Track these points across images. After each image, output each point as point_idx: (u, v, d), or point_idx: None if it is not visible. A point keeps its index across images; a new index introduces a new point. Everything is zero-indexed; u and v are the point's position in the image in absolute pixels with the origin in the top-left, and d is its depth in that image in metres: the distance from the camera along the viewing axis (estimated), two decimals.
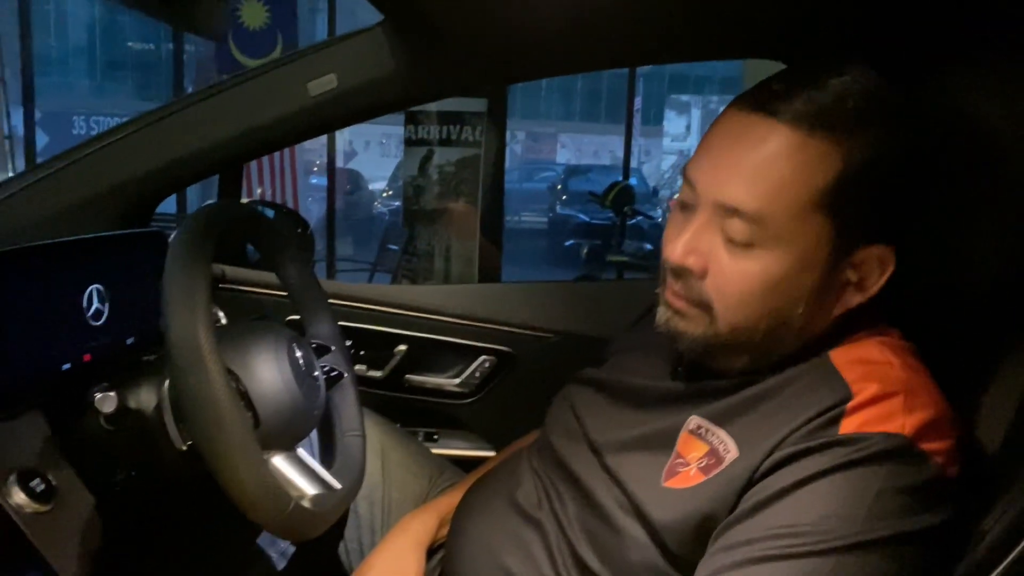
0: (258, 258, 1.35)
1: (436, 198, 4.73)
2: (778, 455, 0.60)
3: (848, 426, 0.59)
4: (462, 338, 1.23)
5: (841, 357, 0.66)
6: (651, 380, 0.78)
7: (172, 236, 0.72)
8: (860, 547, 0.55)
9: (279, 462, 0.81)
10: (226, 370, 0.72)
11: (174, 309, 0.66)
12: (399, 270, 4.67)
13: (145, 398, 0.79)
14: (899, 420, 0.59)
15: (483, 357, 1.23)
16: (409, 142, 4.66)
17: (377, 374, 1.24)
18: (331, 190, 5.66)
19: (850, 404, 0.61)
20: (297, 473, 0.82)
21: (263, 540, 1.03)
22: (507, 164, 4.89)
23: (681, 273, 0.68)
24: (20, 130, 6.13)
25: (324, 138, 6.07)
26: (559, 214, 10.07)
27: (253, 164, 5.15)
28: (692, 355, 0.71)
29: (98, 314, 0.85)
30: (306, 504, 0.77)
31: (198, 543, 1.03)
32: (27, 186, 1.06)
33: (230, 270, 1.22)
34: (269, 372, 0.79)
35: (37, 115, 6.18)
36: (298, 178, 5.71)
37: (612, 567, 0.68)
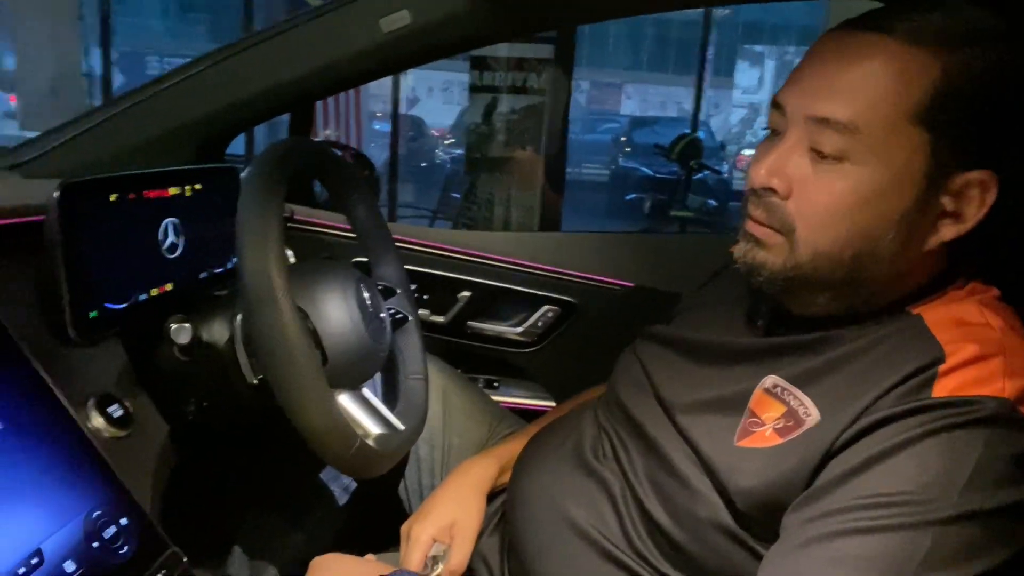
0: (325, 198, 1.36)
1: (499, 146, 4.69)
2: (865, 421, 0.57)
3: (942, 389, 0.56)
4: (526, 286, 1.22)
5: (934, 316, 0.62)
6: (725, 337, 0.76)
7: (245, 172, 0.71)
8: (960, 519, 0.51)
9: (345, 400, 0.82)
10: (296, 308, 0.73)
11: (247, 246, 0.66)
12: (459, 218, 4.68)
13: (218, 331, 0.80)
14: (999, 383, 0.55)
15: (546, 307, 1.22)
16: (474, 88, 4.61)
17: (440, 319, 1.24)
18: (394, 136, 5.67)
19: (943, 366, 0.57)
20: (362, 412, 0.82)
21: (326, 475, 1.06)
22: (570, 114, 4.80)
23: (763, 196, 0.64)
24: (97, 70, 6.29)
25: (387, 84, 6.07)
26: (621, 167, 9.87)
27: (319, 106, 5.19)
28: (772, 290, 0.68)
29: (173, 247, 0.86)
30: (370, 443, 0.77)
31: (265, 475, 1.06)
32: (102, 121, 1.07)
33: (299, 209, 1.22)
34: (337, 311, 0.79)
35: (114, 55, 6.33)
36: (362, 123, 5.73)
37: (680, 523, 0.66)
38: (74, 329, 0.69)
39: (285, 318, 0.66)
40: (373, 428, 0.82)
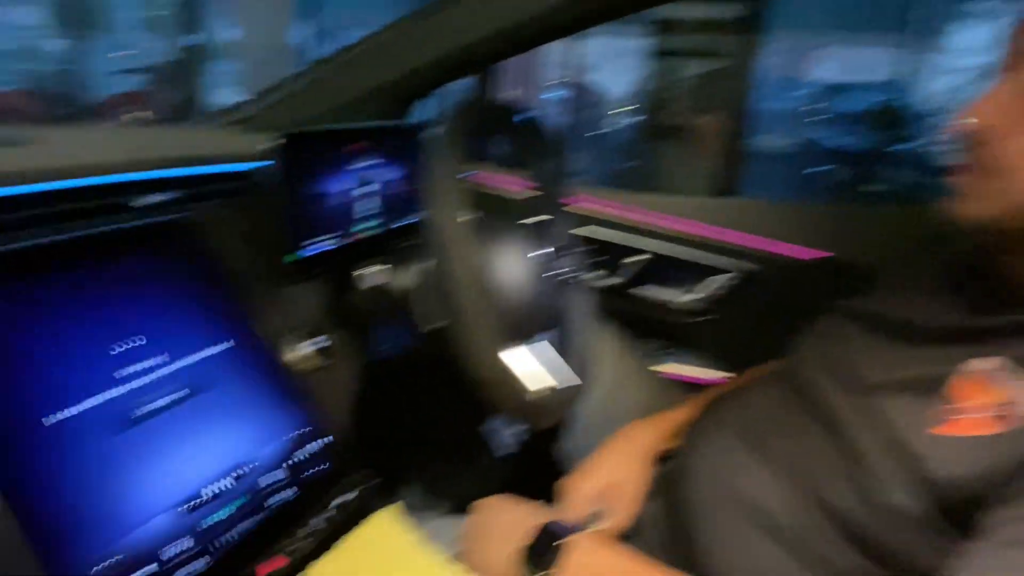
0: (504, 157, 1.39)
1: (678, 113, 4.55)
2: None
3: None
4: (704, 253, 1.18)
5: None
6: (924, 317, 0.69)
7: (434, 130, 0.75)
8: None
9: (520, 351, 0.84)
10: (477, 259, 0.76)
11: (434, 197, 0.70)
12: (633, 187, 4.61)
13: (404, 279, 0.86)
14: None
15: (724, 275, 1.18)
16: (655, 53, 4.49)
17: (614, 283, 1.24)
18: (568, 103, 5.66)
19: None
20: (533, 363, 0.85)
21: (497, 424, 1.11)
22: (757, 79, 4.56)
23: (974, 138, 0.58)
24: (306, 41, 6.80)
25: (562, 51, 6.04)
26: (808, 136, 9.22)
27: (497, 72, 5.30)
28: (980, 241, 0.61)
29: (368, 198, 0.92)
30: (538, 394, 0.80)
31: (442, 417, 1.12)
32: (310, 83, 1.17)
33: (478, 168, 1.26)
34: (513, 266, 0.81)
35: (315, 29, 6.81)
36: (536, 91, 5.77)
37: (861, 508, 0.62)
38: (284, 268, 0.76)
39: (465, 268, 0.69)
40: (542, 380, 0.84)
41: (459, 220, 0.69)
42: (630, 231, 1.22)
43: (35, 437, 0.48)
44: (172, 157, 0.70)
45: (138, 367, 0.55)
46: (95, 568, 0.46)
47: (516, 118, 0.90)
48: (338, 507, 0.65)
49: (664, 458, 0.90)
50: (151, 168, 0.67)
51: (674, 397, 1.07)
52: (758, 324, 1.17)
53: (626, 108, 9.36)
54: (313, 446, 0.65)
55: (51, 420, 0.49)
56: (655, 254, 1.21)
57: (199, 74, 6.47)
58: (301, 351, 0.74)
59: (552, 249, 0.92)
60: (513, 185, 1.26)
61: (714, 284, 1.18)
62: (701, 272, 1.20)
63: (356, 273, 0.81)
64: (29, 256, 0.53)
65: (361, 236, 0.91)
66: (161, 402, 0.56)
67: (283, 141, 0.73)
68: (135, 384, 0.54)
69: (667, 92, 4.63)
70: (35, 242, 0.54)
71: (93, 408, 0.51)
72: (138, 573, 0.48)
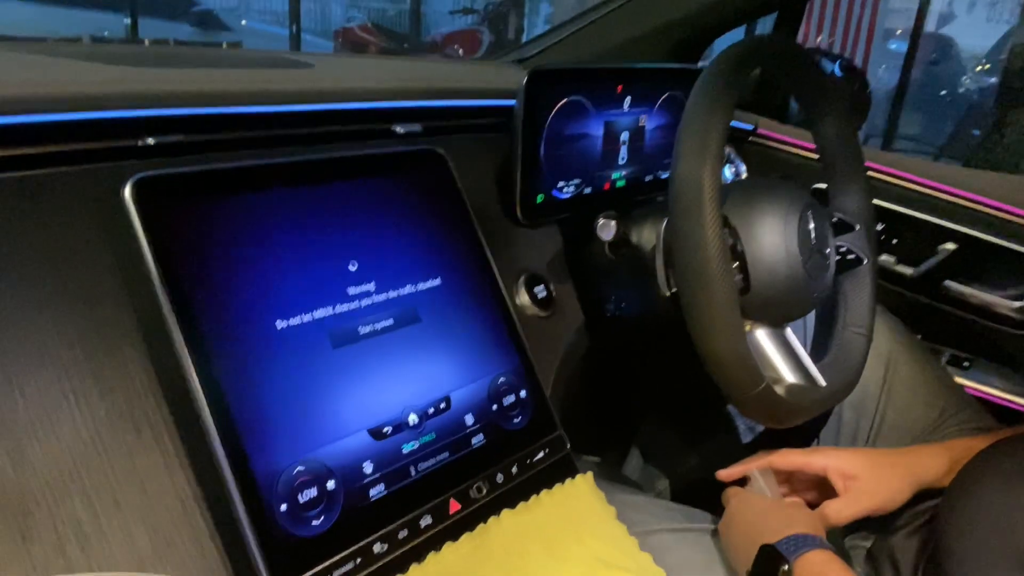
0: (801, 118, 1.22)
1: None
2: None
3: None
4: None
5: None
6: None
7: (702, 72, 0.66)
8: None
9: (761, 336, 0.74)
10: (724, 223, 0.67)
11: (684, 149, 0.62)
12: (973, 159, 3.90)
13: (647, 236, 0.79)
14: None
15: None
16: None
17: (908, 271, 1.03)
18: (910, 56, 4.92)
19: None
20: (778, 354, 0.74)
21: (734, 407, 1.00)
22: None
23: None
24: None
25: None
26: None
27: (818, 13, 4.74)
28: None
29: (624, 145, 0.86)
30: (779, 390, 0.69)
31: (672, 387, 1.05)
32: (593, 22, 1.12)
33: (765, 122, 1.12)
34: (772, 236, 0.70)
35: None
36: (874, 41, 5.09)
37: None
38: (521, 210, 0.74)
39: (707, 229, 0.60)
40: (788, 375, 0.73)
41: (708, 173, 0.60)
42: (943, 210, 0.99)
43: (266, 340, 0.51)
44: (426, 88, 0.70)
45: (365, 288, 0.57)
46: (280, 475, 0.48)
47: (810, 60, 0.76)
48: (523, 464, 0.62)
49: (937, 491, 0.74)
50: (407, 97, 0.68)
51: (969, 421, 0.87)
52: None
53: (984, 67, 7.93)
54: (510, 397, 0.63)
55: (282, 325, 0.52)
56: (972, 242, 0.98)
57: (521, 16, 6.79)
58: (523, 297, 0.72)
59: (831, 221, 0.78)
60: (800, 144, 1.10)
61: None
62: None
63: (599, 223, 0.76)
64: (287, 170, 0.56)
65: (610, 185, 0.86)
66: (381, 324, 0.57)
67: (526, 80, 0.70)
68: (361, 304, 0.56)
69: None
70: (292, 159, 0.58)
71: (321, 320, 0.54)
72: (316, 488, 0.49)
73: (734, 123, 1.12)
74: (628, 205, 0.84)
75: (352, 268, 0.56)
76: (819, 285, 0.73)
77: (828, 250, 0.74)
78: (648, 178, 0.91)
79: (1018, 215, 0.94)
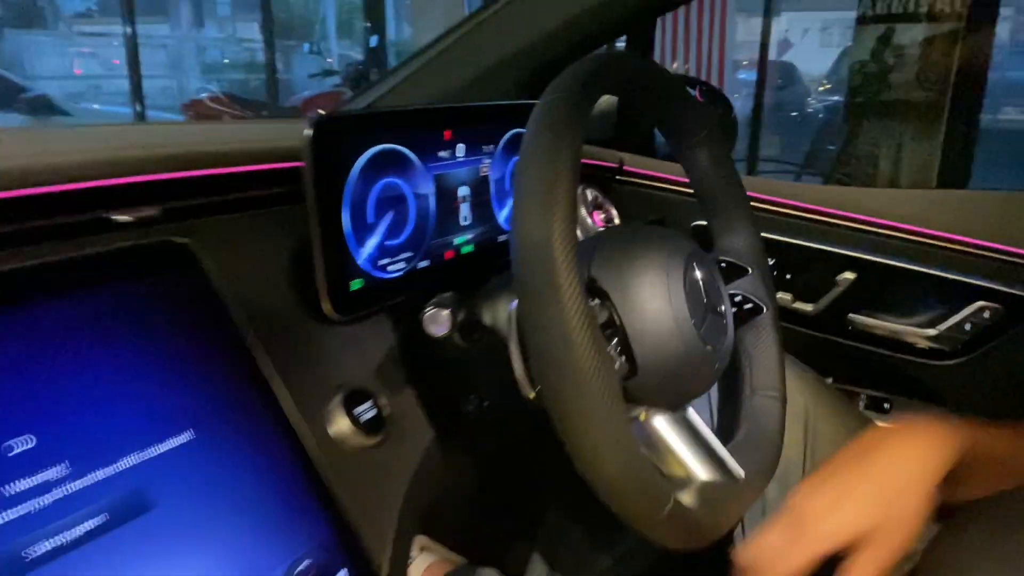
0: (667, 150, 1.10)
1: (890, 87, 3.96)
2: None
3: None
4: (945, 269, 0.83)
5: None
6: None
7: (545, 101, 0.50)
8: None
9: (660, 425, 0.58)
10: (591, 291, 0.51)
11: (523, 204, 0.45)
12: (834, 174, 4.06)
13: (502, 316, 0.62)
14: None
15: (980, 302, 0.81)
16: (863, 20, 3.93)
17: (807, 308, 0.91)
18: (760, 81, 5.15)
19: None
20: (682, 444, 0.58)
21: None
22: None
23: None
24: None
25: (756, 30, 5.51)
26: None
27: (670, 43, 4.88)
28: None
29: (468, 201, 0.69)
30: (691, 500, 0.53)
31: (565, 481, 0.87)
32: (423, 64, 0.97)
33: (631, 158, 0.99)
34: (655, 300, 0.54)
35: None
36: (725, 72, 5.30)
37: None
38: (330, 303, 0.55)
39: (567, 311, 0.44)
40: (698, 471, 0.57)
41: (558, 231, 0.44)
42: (835, 237, 0.88)
43: None
44: (166, 156, 0.51)
45: (47, 475, 0.36)
46: None
47: (671, 79, 0.62)
48: None
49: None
50: (131, 172, 0.48)
51: None
52: None
53: (825, 87, 8.53)
54: None
55: None
56: (872, 268, 0.87)
57: (381, 72, 6.70)
58: (339, 424, 0.53)
59: (719, 267, 0.64)
60: (675, 180, 0.97)
61: (966, 314, 0.82)
62: (947, 295, 0.84)
63: (425, 315, 0.58)
64: None
65: (453, 254, 0.69)
66: (80, 529, 0.36)
67: (311, 132, 0.52)
68: (40, 503, 0.35)
69: (876, 64, 4.05)
70: None
71: None
72: None
73: (598, 162, 0.99)
74: (482, 276, 0.66)
75: (22, 447, 0.35)
76: (720, 351, 0.59)
77: (723, 306, 0.60)
78: (502, 238, 0.75)
79: (917, 234, 0.84)
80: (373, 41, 6.49)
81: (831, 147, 4.89)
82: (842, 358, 0.91)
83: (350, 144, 0.56)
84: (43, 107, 5.28)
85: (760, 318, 0.69)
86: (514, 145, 0.74)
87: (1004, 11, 3.91)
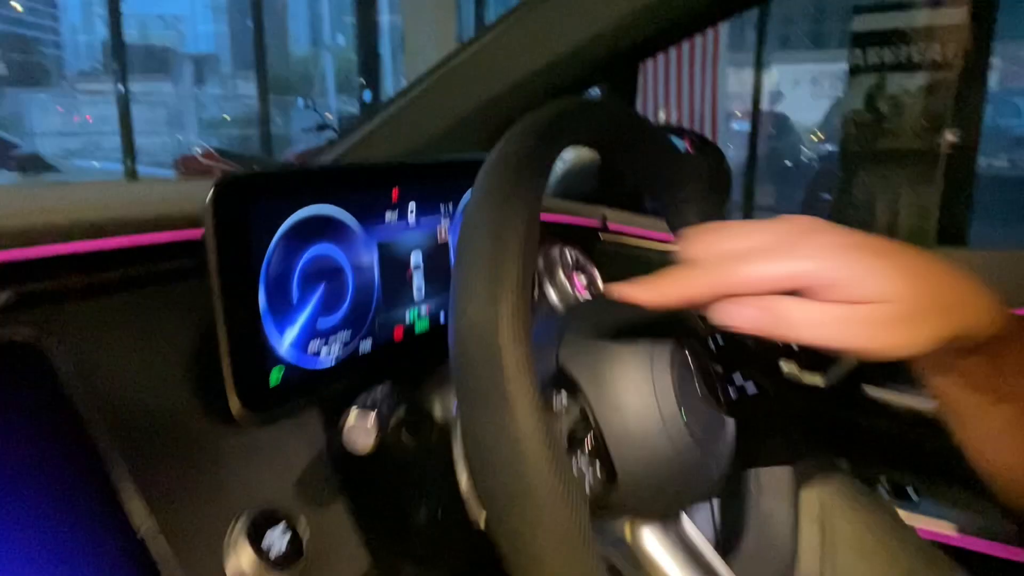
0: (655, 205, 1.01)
1: (885, 136, 3.96)
2: None
3: None
4: None
5: None
6: None
7: (496, 153, 0.41)
8: None
9: (648, 539, 0.48)
10: (555, 383, 0.42)
11: (462, 274, 0.36)
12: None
13: (450, 407, 0.52)
14: None
15: None
16: (856, 70, 3.94)
17: (816, 381, 0.81)
18: (754, 131, 5.14)
19: None
20: (676, 565, 0.47)
21: None
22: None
23: None
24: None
25: (748, 81, 5.54)
26: None
27: (661, 95, 4.87)
28: None
29: (413, 271, 0.60)
30: None
31: None
32: (389, 117, 0.89)
33: (615, 215, 0.90)
34: (638, 392, 0.44)
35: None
36: (718, 123, 5.30)
37: None
38: (239, 401, 0.45)
39: (517, 416, 0.34)
40: None
41: (506, 311, 0.34)
42: None
43: None
44: (16, 229, 0.41)
45: None
46: None
47: (650, 126, 0.53)
48: None
49: None
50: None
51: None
52: None
53: (818, 137, 8.59)
54: None
55: None
56: None
57: None
58: (241, 561, 0.42)
59: (715, 346, 0.54)
60: (666, 238, 0.88)
61: None
62: None
63: (347, 420, 0.48)
64: None
65: (403, 333, 0.59)
66: None
67: (211, 194, 0.42)
68: None
69: (869, 113, 4.05)
70: None
71: None
72: None
73: (578, 220, 0.90)
74: (439, 358, 0.56)
75: None
76: (717, 453, 0.48)
77: (720, 397, 0.50)
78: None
79: None
80: (367, 96, 6.52)
81: (826, 196, 4.85)
82: (859, 437, 0.80)
83: (269, 207, 0.47)
84: (33, 164, 5.25)
85: (764, 403, 0.59)
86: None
87: (992, 60, 3.92)
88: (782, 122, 9.02)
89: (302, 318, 0.49)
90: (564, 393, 0.45)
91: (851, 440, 0.80)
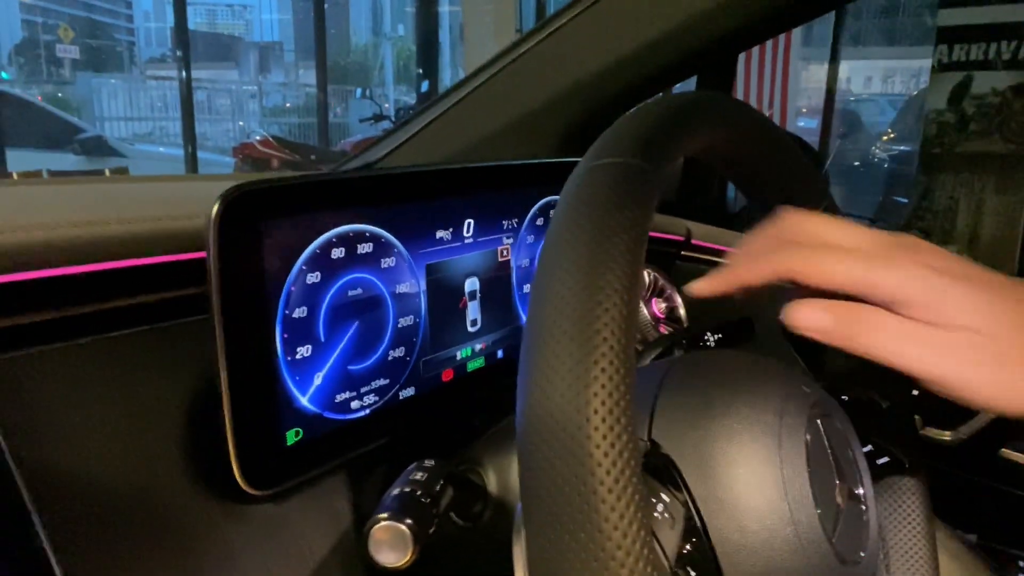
0: (744, 207, 0.89)
1: (969, 138, 3.71)
2: None
3: None
4: None
5: None
6: None
7: (586, 166, 0.30)
8: None
9: None
10: (644, 467, 0.31)
11: (539, 334, 0.25)
12: (908, 229, 3.78)
13: (516, 479, 0.41)
14: None
15: None
16: (939, 67, 3.68)
17: (944, 437, 0.68)
18: (825, 129, 4.91)
19: None
20: None
21: None
22: None
23: None
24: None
25: (815, 77, 5.28)
26: None
27: (730, 91, 4.68)
28: None
29: (473, 298, 0.49)
30: None
31: None
32: (447, 110, 0.78)
33: (698, 228, 0.78)
34: (761, 486, 0.33)
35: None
36: (787, 118, 5.08)
37: None
38: (239, 471, 0.35)
39: (619, 555, 0.23)
40: None
41: (603, 401, 0.24)
42: None
43: None
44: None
45: None
46: None
47: (776, 130, 0.42)
48: None
49: None
50: None
51: None
52: None
53: (891, 136, 8.23)
54: None
55: None
56: None
57: None
58: None
59: (846, 413, 0.42)
60: None
61: None
62: None
63: (380, 522, 0.37)
64: None
65: (452, 374, 0.48)
66: None
67: (215, 210, 0.33)
68: None
69: (953, 113, 3.82)
70: None
71: None
72: None
73: (658, 234, 0.78)
74: (497, 405, 0.46)
75: None
76: (863, 564, 0.37)
77: (861, 488, 0.38)
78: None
79: None
80: (424, 86, 6.46)
81: (901, 199, 4.59)
82: (989, 506, 0.67)
83: (290, 225, 0.37)
84: (97, 148, 5.35)
85: (900, 480, 0.47)
86: (547, 217, 0.55)
87: None
88: (852, 119, 8.66)
89: (329, 364, 0.39)
90: (658, 484, 0.34)
91: (983, 510, 0.67)
